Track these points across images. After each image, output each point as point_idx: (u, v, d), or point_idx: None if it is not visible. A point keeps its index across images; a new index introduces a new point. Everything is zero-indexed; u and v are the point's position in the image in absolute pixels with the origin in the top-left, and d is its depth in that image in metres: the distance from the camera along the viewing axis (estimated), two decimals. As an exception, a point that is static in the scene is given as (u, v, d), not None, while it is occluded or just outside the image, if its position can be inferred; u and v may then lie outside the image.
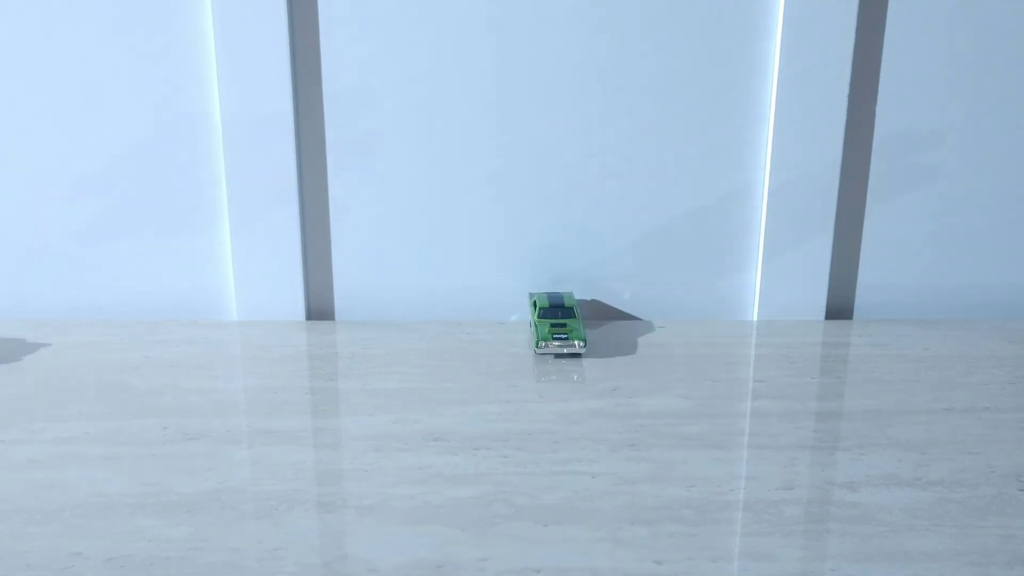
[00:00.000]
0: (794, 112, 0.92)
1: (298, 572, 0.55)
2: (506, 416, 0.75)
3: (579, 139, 0.94)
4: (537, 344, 0.86)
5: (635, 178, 0.95)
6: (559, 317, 0.89)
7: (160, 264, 0.98)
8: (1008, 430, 0.73)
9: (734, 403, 0.78)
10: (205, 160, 0.94)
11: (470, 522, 0.60)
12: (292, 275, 0.96)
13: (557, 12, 0.91)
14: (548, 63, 0.92)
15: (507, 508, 0.62)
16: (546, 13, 0.91)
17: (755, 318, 0.98)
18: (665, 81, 0.92)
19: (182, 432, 0.72)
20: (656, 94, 0.93)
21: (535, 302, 0.91)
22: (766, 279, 0.97)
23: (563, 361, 0.87)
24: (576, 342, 0.86)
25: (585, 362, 0.86)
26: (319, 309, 0.99)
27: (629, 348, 0.90)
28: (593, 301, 0.99)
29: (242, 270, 0.96)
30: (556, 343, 0.86)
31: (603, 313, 0.99)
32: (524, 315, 0.99)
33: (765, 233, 0.95)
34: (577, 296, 0.98)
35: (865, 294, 1.00)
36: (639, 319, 0.99)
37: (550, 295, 0.92)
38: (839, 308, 1.00)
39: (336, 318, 0.99)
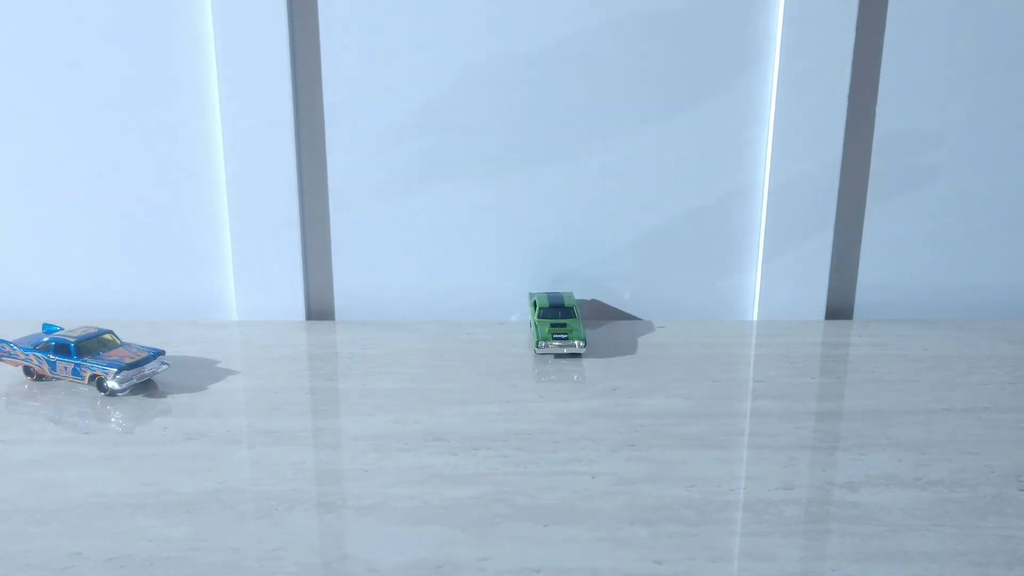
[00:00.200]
0: (794, 112, 0.92)
1: (298, 572, 0.55)
2: (506, 416, 0.75)
3: (579, 139, 0.94)
4: (537, 344, 0.86)
5: (635, 178, 0.95)
6: (559, 317, 0.89)
7: (160, 264, 0.98)
8: (1008, 430, 0.73)
9: (734, 403, 0.78)
10: (205, 160, 0.94)
11: (470, 522, 0.60)
12: (292, 275, 0.96)
13: (557, 12, 0.91)
14: (548, 63, 0.92)
15: (507, 508, 0.62)
16: (546, 13, 0.91)
17: (755, 318, 0.98)
18: (665, 81, 0.92)
19: (182, 432, 0.72)
20: (656, 94, 0.93)
21: (535, 302, 0.91)
22: (766, 279, 0.97)
23: (563, 361, 0.86)
24: (576, 342, 0.86)
25: (585, 362, 0.86)
26: (319, 309, 0.99)
27: (629, 348, 0.90)
28: (593, 301, 0.99)
29: (242, 270, 0.96)
30: (556, 343, 0.86)
31: (603, 313, 0.99)
32: (524, 315, 0.99)
33: (765, 233, 0.95)
34: (577, 296, 0.98)
35: (865, 294, 1.00)
36: (639, 319, 0.99)
37: (550, 295, 0.92)
38: (839, 308, 1.00)
39: (336, 318, 0.99)
